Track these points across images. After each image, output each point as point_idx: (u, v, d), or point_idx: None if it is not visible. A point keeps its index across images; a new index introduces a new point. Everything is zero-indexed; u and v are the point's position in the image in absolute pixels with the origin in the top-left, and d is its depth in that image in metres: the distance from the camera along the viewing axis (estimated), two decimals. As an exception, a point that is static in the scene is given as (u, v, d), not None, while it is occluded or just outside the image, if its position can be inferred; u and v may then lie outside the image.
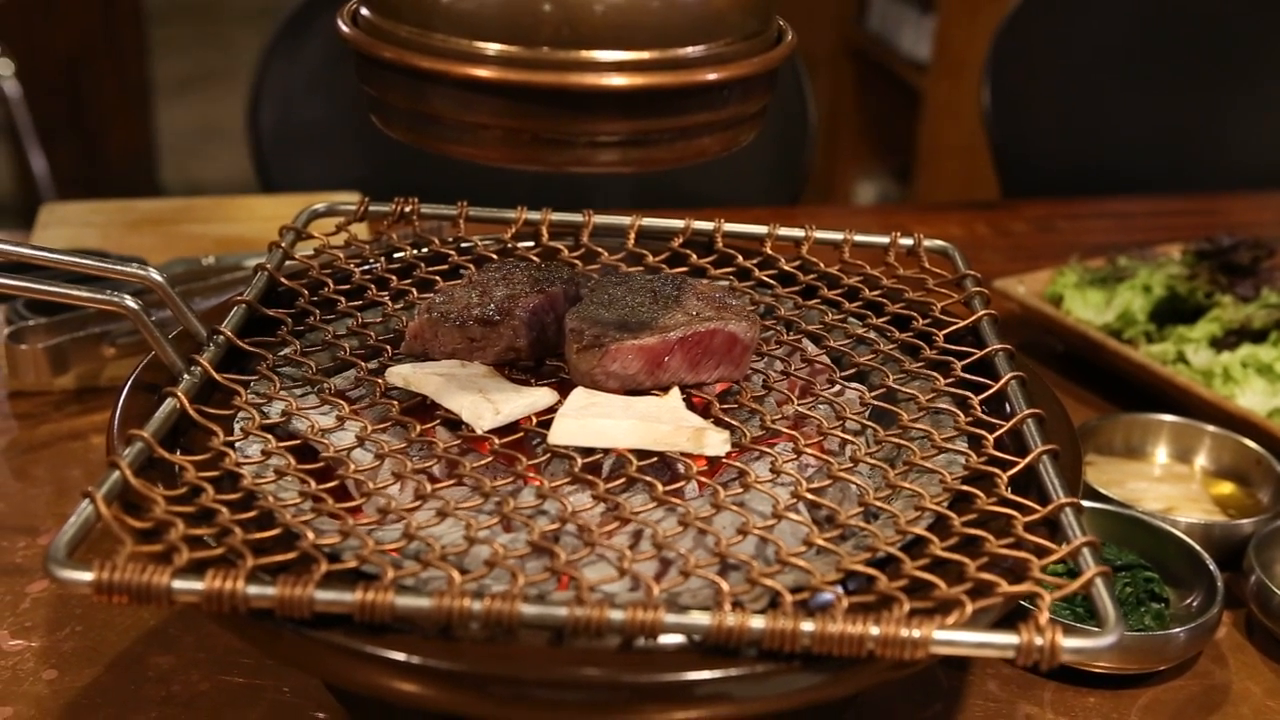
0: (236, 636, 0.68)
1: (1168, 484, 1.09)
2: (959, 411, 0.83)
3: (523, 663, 0.64)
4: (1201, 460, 1.12)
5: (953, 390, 0.86)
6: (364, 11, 0.77)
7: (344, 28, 0.77)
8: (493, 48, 0.72)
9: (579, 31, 0.71)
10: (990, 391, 0.84)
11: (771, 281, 1.00)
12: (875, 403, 0.86)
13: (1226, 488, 1.10)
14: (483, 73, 0.72)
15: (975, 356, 0.88)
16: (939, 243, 1.04)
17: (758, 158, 1.83)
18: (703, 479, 0.78)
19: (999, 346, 0.89)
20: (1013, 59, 1.91)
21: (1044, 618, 0.64)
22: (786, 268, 1.02)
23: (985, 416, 0.82)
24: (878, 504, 0.75)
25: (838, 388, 0.88)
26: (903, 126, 3.45)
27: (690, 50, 0.73)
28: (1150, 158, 1.96)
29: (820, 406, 0.85)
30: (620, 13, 0.71)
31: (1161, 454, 1.13)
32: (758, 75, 0.76)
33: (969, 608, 0.64)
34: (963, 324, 0.93)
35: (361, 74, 0.78)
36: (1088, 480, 1.05)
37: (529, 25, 0.72)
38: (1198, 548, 0.96)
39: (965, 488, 0.76)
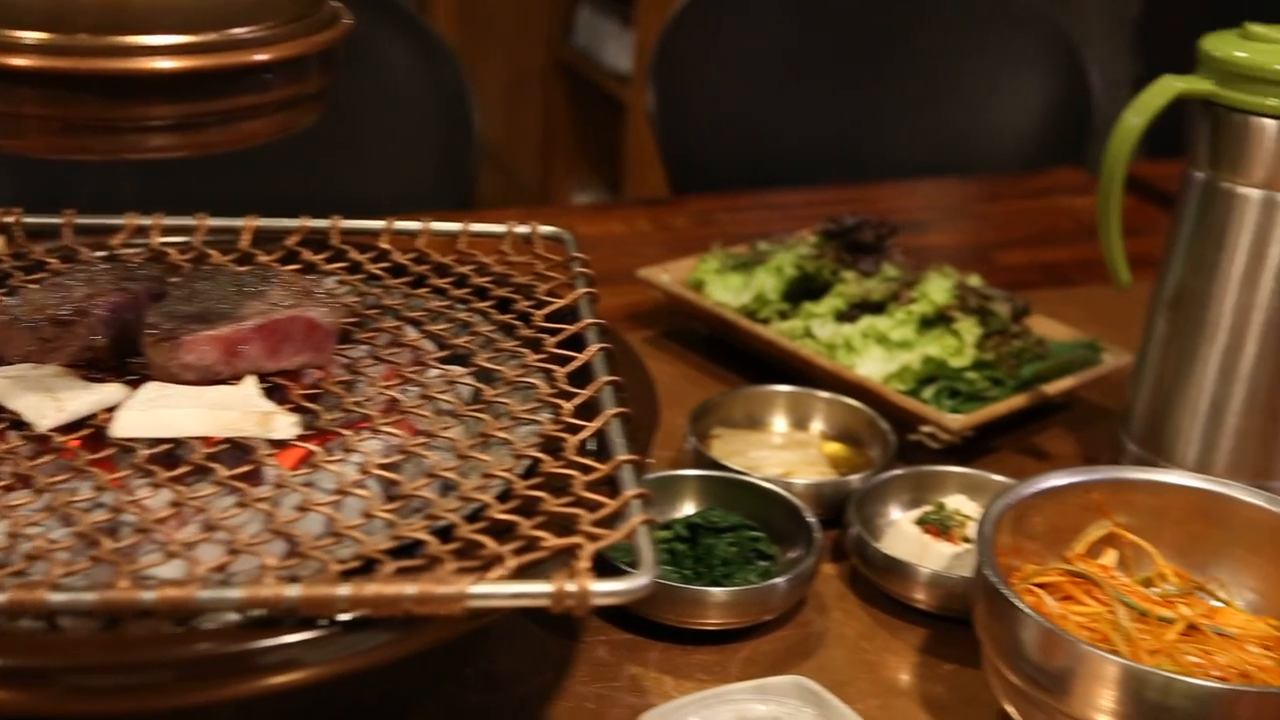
0: None
1: (789, 450, 1.14)
2: (543, 384, 0.85)
3: (56, 652, 0.62)
4: (819, 425, 1.18)
5: (542, 365, 0.88)
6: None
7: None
8: (31, 36, 0.71)
9: (119, 17, 0.71)
10: (574, 364, 0.87)
11: (382, 273, 1.01)
12: (465, 382, 0.87)
13: (840, 449, 1.16)
14: (20, 62, 0.71)
15: (567, 333, 0.91)
16: (552, 229, 1.06)
17: (422, 165, 1.84)
18: (276, 462, 0.77)
19: (590, 322, 0.91)
20: (675, 63, 1.97)
21: (581, 565, 0.66)
22: (399, 260, 1.02)
23: (568, 388, 0.85)
24: (446, 474, 0.76)
25: (432, 370, 0.89)
26: (611, 137, 3.51)
27: (234, 32, 0.74)
28: (813, 154, 2.05)
29: (409, 389, 0.86)
30: (158, -3, 0.72)
31: (781, 423, 1.18)
32: (305, 56, 0.77)
33: (510, 562, 0.66)
34: (562, 303, 0.95)
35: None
36: (710, 452, 1.09)
37: (68, 12, 0.71)
38: (799, 505, 1.01)
39: (535, 454, 0.78)
